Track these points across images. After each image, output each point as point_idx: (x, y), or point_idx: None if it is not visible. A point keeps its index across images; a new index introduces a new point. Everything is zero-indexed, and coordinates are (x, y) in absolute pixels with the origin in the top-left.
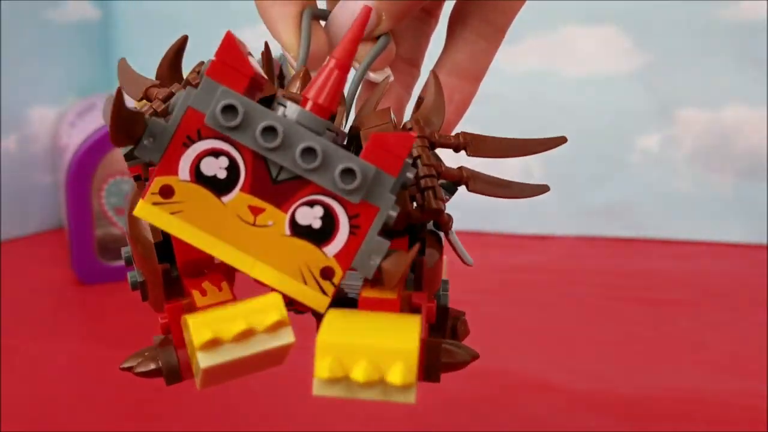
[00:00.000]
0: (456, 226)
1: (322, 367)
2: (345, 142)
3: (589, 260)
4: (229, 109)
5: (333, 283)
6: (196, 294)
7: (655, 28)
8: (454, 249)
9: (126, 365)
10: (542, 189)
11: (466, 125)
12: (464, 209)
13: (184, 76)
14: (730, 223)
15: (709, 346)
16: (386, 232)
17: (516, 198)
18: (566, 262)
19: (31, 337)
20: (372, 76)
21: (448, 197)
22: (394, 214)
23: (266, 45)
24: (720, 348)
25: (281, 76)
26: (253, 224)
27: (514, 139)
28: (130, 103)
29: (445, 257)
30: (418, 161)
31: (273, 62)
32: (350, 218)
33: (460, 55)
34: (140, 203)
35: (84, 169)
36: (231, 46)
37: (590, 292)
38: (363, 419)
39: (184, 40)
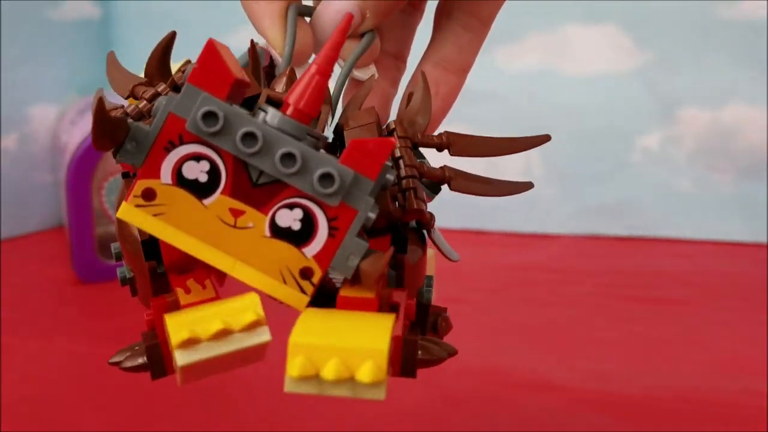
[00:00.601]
0: (457, 224)
1: (294, 365)
2: (325, 147)
3: (590, 259)
4: (210, 116)
5: (312, 283)
6: (180, 292)
7: (656, 27)
8: (438, 247)
9: (114, 360)
10: (526, 186)
11: (465, 124)
12: (466, 208)
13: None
14: (730, 222)
15: (710, 345)
16: (368, 231)
17: (500, 196)
18: (567, 260)
19: (31, 336)
20: (356, 74)
21: (432, 196)
22: (372, 216)
23: (252, 43)
24: (720, 347)
25: (272, 67)
26: (234, 226)
27: (497, 138)
28: (117, 99)
29: (432, 252)
30: (400, 162)
31: (259, 60)
32: (329, 220)
33: (447, 47)
34: (123, 205)
35: (84, 167)
36: (212, 53)
37: (591, 290)
38: (362, 418)
39: (171, 36)
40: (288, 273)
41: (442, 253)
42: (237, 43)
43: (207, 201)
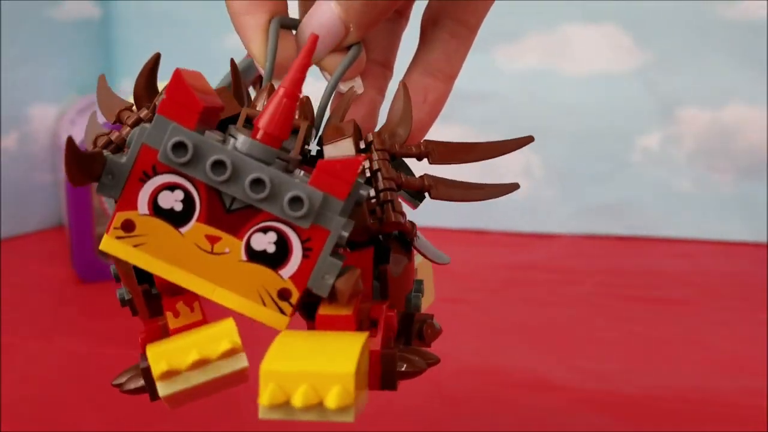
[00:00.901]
0: (457, 224)
1: (264, 394)
2: (307, 162)
3: (590, 258)
4: (179, 146)
5: (290, 303)
6: (169, 316)
7: (656, 26)
8: (424, 255)
9: (117, 382)
10: (511, 187)
11: (465, 124)
12: (466, 207)
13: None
14: (730, 222)
15: (710, 345)
16: (351, 244)
17: (484, 200)
18: (567, 260)
19: (31, 335)
20: (342, 87)
21: (416, 203)
22: (345, 234)
23: (232, 62)
24: (721, 347)
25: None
26: (211, 252)
27: (478, 143)
28: (104, 121)
29: (419, 259)
30: (378, 174)
31: (240, 79)
32: (302, 242)
33: (434, 55)
34: (105, 238)
35: None
36: (179, 84)
37: (591, 290)
38: (362, 418)
39: (156, 58)
40: (266, 295)
41: (430, 259)
42: (236, 43)
43: (184, 229)
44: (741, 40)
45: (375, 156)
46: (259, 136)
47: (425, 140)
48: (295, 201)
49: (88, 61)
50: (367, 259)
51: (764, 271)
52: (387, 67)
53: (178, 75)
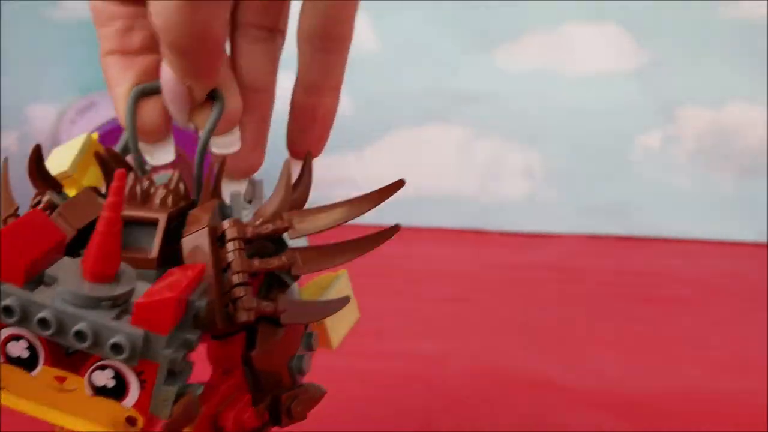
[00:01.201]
0: (457, 224)
1: None
2: (126, 304)
3: (590, 258)
4: (7, 309)
5: (138, 427)
6: None
7: (656, 26)
8: (299, 323)
9: None
10: (390, 233)
11: (465, 125)
12: (466, 208)
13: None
14: (731, 222)
15: (711, 345)
16: (216, 336)
17: (360, 255)
18: (567, 260)
19: None
20: (217, 142)
21: (291, 282)
22: (178, 358)
23: (97, 154)
24: (721, 346)
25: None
26: (61, 389)
27: (342, 202)
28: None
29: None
30: (232, 266)
31: (109, 169)
32: (137, 374)
33: (314, 72)
34: None
35: None
36: (4, 246)
37: (591, 290)
38: (362, 418)
39: (37, 151)
40: (116, 422)
41: (308, 324)
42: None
43: (34, 372)
44: (741, 40)
45: (228, 247)
46: (87, 277)
47: (286, 212)
48: (116, 347)
49: (89, 61)
50: (237, 346)
51: (764, 271)
52: (267, 91)
53: (1, 236)
